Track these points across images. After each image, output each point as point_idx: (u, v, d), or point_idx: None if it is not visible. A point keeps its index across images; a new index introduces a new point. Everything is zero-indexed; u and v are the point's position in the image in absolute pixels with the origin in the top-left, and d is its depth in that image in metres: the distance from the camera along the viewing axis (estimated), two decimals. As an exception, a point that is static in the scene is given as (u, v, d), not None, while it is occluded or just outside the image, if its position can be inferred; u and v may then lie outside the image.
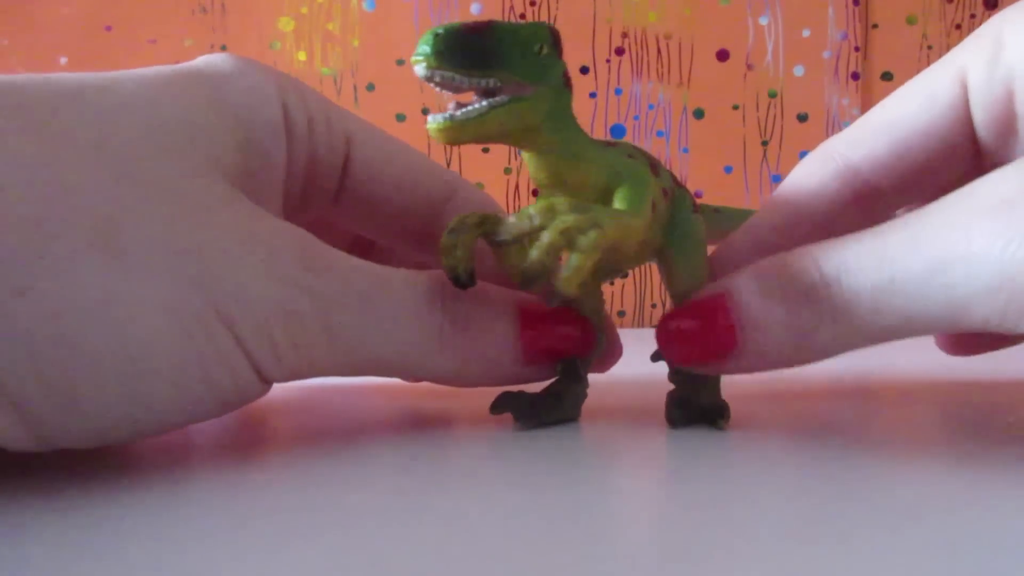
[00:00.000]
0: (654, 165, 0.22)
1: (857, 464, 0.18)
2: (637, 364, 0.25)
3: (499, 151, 0.59)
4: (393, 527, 0.14)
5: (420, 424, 0.24)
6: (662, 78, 0.60)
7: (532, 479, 0.17)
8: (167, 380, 0.17)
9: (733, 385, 0.23)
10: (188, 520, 0.15)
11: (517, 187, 0.59)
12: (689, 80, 0.60)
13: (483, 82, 0.18)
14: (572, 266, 0.18)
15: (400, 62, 0.58)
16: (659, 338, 0.21)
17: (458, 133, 0.18)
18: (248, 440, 0.22)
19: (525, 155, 0.20)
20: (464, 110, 0.18)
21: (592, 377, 0.24)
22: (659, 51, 0.60)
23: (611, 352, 0.25)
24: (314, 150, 0.22)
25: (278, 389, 0.26)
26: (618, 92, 0.60)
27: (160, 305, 0.16)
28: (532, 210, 0.19)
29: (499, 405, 0.22)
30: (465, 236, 0.20)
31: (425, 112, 0.57)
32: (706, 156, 0.60)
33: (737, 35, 0.60)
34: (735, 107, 0.60)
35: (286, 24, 0.59)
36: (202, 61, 0.21)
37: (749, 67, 0.60)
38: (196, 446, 0.21)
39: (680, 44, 0.60)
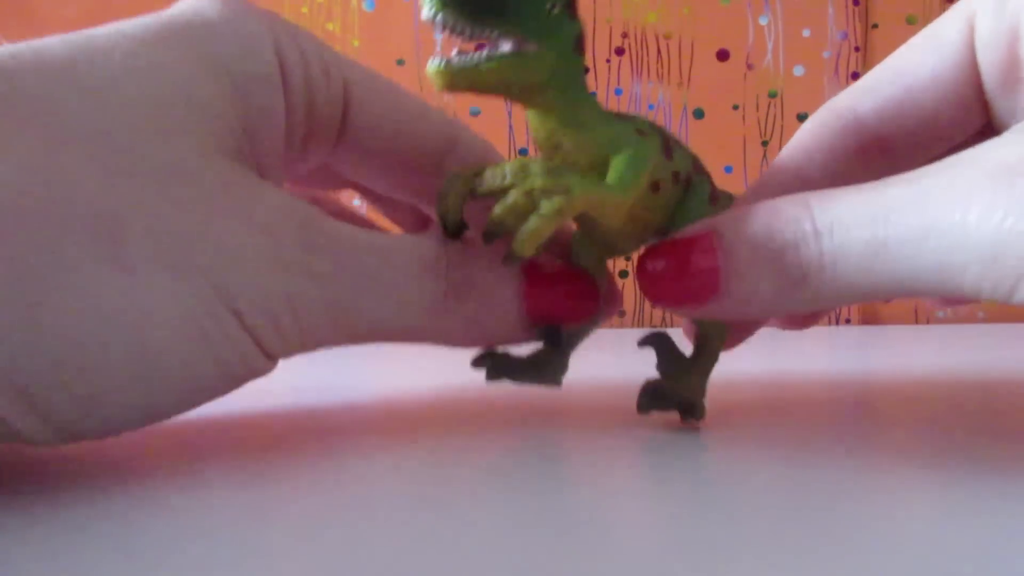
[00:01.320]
0: (669, 146, 0.21)
1: (847, 467, 0.18)
2: (636, 365, 0.25)
3: (500, 143, 0.59)
4: (380, 530, 0.14)
5: (409, 428, 0.24)
6: (662, 78, 0.60)
7: (524, 481, 0.17)
8: (181, 370, 0.17)
9: (729, 386, 0.23)
10: (191, 522, 0.15)
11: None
12: (689, 80, 0.60)
13: (486, 31, 0.18)
14: (529, 229, 0.18)
15: (400, 62, 0.58)
16: (639, 275, 0.20)
17: (453, 78, 0.18)
18: (252, 444, 0.22)
19: (528, 113, 0.20)
20: (462, 57, 0.18)
21: (586, 377, 0.23)
22: (659, 51, 0.60)
23: (610, 302, 0.24)
24: (312, 99, 0.21)
25: (282, 393, 0.26)
26: (618, 92, 0.60)
27: (169, 300, 0.16)
28: (507, 167, 0.19)
29: (479, 361, 0.22)
30: (459, 185, 0.20)
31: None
32: (706, 156, 0.59)
33: (737, 35, 0.60)
34: (735, 107, 0.60)
35: (286, 24, 0.59)
36: (191, 10, 0.20)
37: (749, 67, 0.60)
38: (201, 449, 0.21)
39: (680, 44, 0.60)
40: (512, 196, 0.18)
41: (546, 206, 0.18)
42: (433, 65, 0.18)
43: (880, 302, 0.59)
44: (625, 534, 0.14)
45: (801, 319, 0.24)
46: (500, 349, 0.23)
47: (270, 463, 0.19)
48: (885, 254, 0.16)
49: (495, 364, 0.22)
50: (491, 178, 0.19)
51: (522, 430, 0.22)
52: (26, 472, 0.18)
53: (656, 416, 0.22)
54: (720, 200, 0.24)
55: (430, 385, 0.30)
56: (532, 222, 0.18)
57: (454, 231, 0.21)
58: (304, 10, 0.59)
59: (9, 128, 0.16)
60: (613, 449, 0.20)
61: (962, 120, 0.21)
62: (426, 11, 0.18)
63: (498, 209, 0.18)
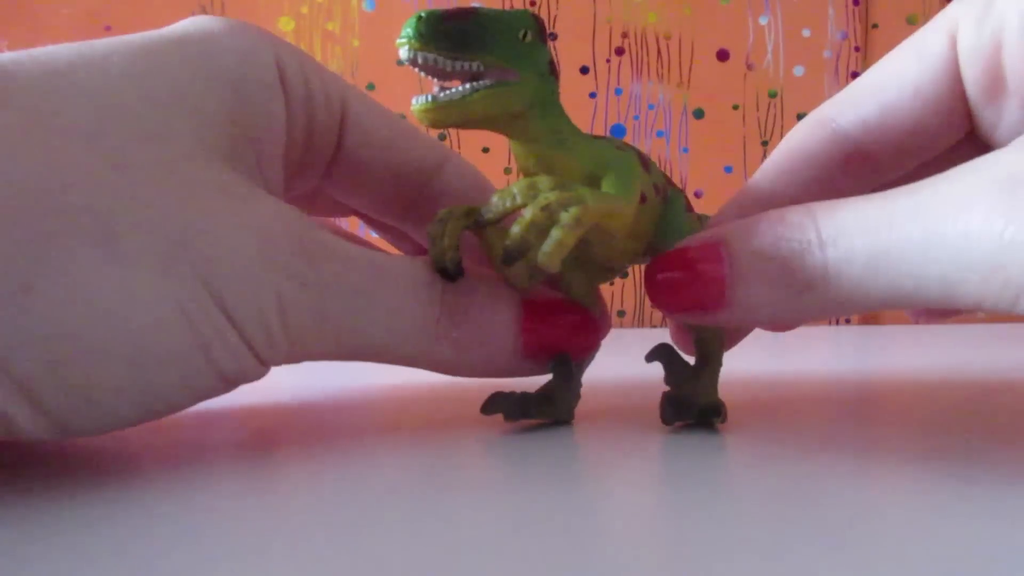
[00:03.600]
0: (644, 161, 0.22)
1: (847, 467, 0.18)
2: (636, 365, 0.25)
3: (498, 151, 0.59)
4: (389, 530, 0.14)
5: (417, 427, 0.24)
6: (662, 78, 0.60)
7: (528, 482, 0.17)
8: (174, 367, 0.17)
9: (729, 387, 0.23)
10: (190, 520, 0.15)
11: (517, 187, 0.59)
12: (689, 80, 0.60)
13: (466, 65, 0.18)
14: (553, 240, 0.18)
15: (400, 62, 0.58)
16: (647, 284, 0.20)
17: (441, 115, 0.18)
18: (249, 446, 0.22)
19: (512, 143, 0.20)
20: (448, 92, 0.18)
21: (588, 378, 0.23)
22: (659, 51, 0.60)
23: (604, 325, 0.24)
24: (312, 113, 0.21)
25: (281, 394, 0.26)
26: (618, 92, 0.60)
27: (161, 297, 0.16)
28: (515, 188, 0.19)
29: (490, 406, 0.22)
30: (452, 225, 0.20)
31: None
32: (706, 156, 0.60)
33: (737, 35, 0.60)
34: (735, 107, 0.60)
35: (286, 24, 0.59)
36: (192, 24, 0.20)
37: (749, 67, 0.60)
38: (200, 446, 0.21)
39: (680, 44, 0.60)
40: (530, 212, 0.18)
41: (565, 217, 0.18)
42: (419, 103, 0.18)
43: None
44: (625, 533, 0.14)
45: None
46: (507, 388, 0.22)
47: (269, 461, 0.19)
48: (887, 264, 0.16)
49: (509, 405, 0.22)
50: (499, 202, 0.19)
51: (522, 428, 0.22)
52: (24, 470, 0.18)
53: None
54: (700, 217, 0.24)
55: (431, 383, 0.30)
56: (555, 234, 0.18)
57: (455, 271, 0.20)
58: (304, 10, 0.59)
59: (7, 121, 0.16)
60: (613, 448, 0.20)
61: (945, 130, 0.21)
62: (404, 52, 0.18)
63: (517, 228, 0.18)
